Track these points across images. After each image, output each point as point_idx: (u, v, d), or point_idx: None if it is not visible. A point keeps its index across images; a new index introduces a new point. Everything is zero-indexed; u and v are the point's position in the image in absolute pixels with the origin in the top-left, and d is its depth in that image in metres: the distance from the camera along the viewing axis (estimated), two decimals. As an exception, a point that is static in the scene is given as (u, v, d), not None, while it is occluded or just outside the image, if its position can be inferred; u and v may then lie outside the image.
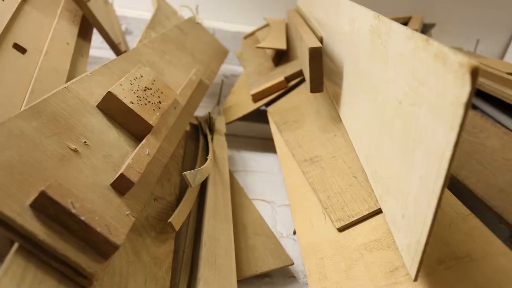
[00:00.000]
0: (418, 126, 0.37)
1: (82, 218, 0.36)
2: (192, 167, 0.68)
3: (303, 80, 0.88)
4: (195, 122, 0.83)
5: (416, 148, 0.38)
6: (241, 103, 0.93)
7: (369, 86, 0.53)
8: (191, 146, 0.76)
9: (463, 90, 0.29)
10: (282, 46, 0.94)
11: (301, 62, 0.84)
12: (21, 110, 0.62)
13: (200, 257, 0.49)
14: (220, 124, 0.81)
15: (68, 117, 0.47)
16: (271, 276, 0.57)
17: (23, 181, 0.37)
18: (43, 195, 0.36)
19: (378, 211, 0.50)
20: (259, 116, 0.93)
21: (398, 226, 0.42)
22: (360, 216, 0.50)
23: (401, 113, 0.41)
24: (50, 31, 0.84)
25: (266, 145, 0.94)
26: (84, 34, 0.96)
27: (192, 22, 1.10)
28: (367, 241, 0.47)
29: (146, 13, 1.40)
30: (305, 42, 0.69)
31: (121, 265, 0.42)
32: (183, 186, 0.63)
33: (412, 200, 0.38)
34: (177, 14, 1.16)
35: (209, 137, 0.73)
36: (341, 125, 0.68)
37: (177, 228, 0.49)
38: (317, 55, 0.66)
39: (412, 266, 0.37)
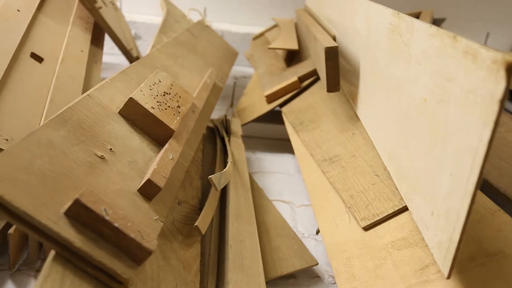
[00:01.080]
0: (447, 124, 0.37)
1: (116, 224, 0.37)
2: (212, 170, 0.68)
3: (316, 80, 0.88)
4: (211, 125, 0.83)
5: (445, 146, 0.38)
6: (255, 104, 0.94)
7: (389, 84, 0.53)
8: (208, 149, 0.76)
9: (498, 87, 0.29)
10: (294, 46, 0.94)
11: (315, 62, 0.84)
12: (42, 118, 0.64)
13: (226, 259, 0.49)
14: (236, 126, 0.81)
15: (93, 124, 0.48)
16: (295, 277, 0.57)
17: (55, 190, 0.37)
18: (77, 203, 0.36)
19: (404, 209, 0.50)
20: (273, 116, 0.93)
21: (427, 224, 0.41)
22: (385, 215, 0.50)
23: (426, 111, 0.41)
24: (65, 39, 0.84)
25: (281, 145, 0.94)
26: (96, 41, 0.97)
27: (202, 25, 1.11)
28: (394, 239, 0.47)
29: (154, 18, 1.41)
30: (320, 42, 0.69)
31: (152, 270, 0.43)
32: (204, 190, 0.63)
33: (442, 198, 0.38)
34: (186, 17, 1.17)
35: (226, 139, 0.73)
36: (359, 123, 0.68)
37: (203, 232, 0.49)
38: (333, 55, 0.66)
39: (444, 263, 0.37)
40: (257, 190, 0.69)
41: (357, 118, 0.69)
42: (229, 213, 0.56)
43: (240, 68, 1.36)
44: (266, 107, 0.89)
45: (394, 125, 0.51)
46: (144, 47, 1.37)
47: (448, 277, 0.37)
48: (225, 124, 0.79)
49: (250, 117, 0.89)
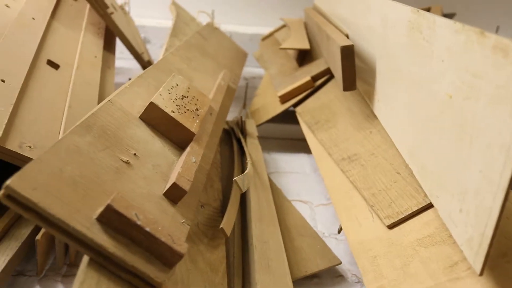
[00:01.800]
0: (475, 120, 0.37)
1: (147, 229, 0.37)
2: (230, 172, 0.69)
3: (329, 79, 0.88)
4: (226, 126, 0.83)
5: (473, 142, 0.38)
6: (268, 105, 0.94)
7: (409, 81, 0.53)
8: (225, 150, 0.76)
9: (532, 82, 0.29)
10: (306, 45, 0.94)
11: (328, 61, 0.84)
12: (62, 124, 0.64)
13: (252, 261, 0.49)
14: (251, 127, 0.81)
15: (116, 129, 0.48)
16: (319, 277, 0.58)
17: (86, 196, 0.38)
18: (109, 209, 0.36)
19: (428, 206, 0.50)
20: (286, 116, 0.93)
21: (455, 221, 0.41)
22: (410, 212, 0.50)
23: (452, 108, 0.41)
24: (78, 45, 0.85)
25: (295, 145, 0.94)
26: (108, 46, 0.98)
27: (211, 27, 1.11)
28: (420, 237, 0.47)
29: (163, 21, 1.42)
30: (335, 41, 0.69)
31: (181, 273, 0.43)
32: (225, 191, 0.63)
33: (471, 194, 0.38)
34: (195, 20, 1.17)
35: (243, 141, 0.73)
36: (376, 121, 0.68)
37: (228, 234, 0.49)
38: (349, 53, 0.66)
39: (476, 260, 0.37)
40: (275, 190, 0.70)
41: (373, 116, 0.69)
42: (251, 214, 0.56)
43: (249, 69, 1.36)
44: (280, 108, 0.89)
45: (415, 123, 0.51)
46: (153, 51, 1.38)
47: (481, 274, 0.37)
48: (241, 125, 0.79)
49: (265, 118, 0.89)
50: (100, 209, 0.37)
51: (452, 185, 0.42)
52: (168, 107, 0.55)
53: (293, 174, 0.83)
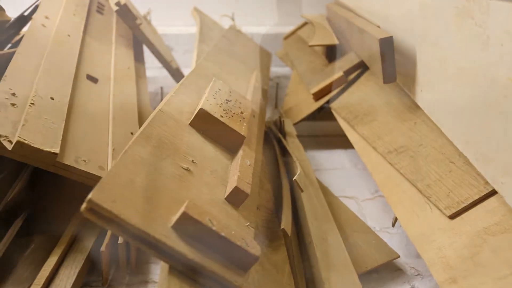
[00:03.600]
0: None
1: (222, 234, 0.37)
2: (276, 172, 0.69)
3: (362, 73, 0.88)
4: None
5: (545, 125, 0.37)
6: (301, 103, 0.94)
7: (460, 69, 0.52)
8: (265, 151, 0.76)
9: None
10: (334, 41, 0.94)
11: (361, 55, 0.84)
12: (110, 136, 0.65)
13: (315, 259, 0.49)
14: (289, 126, 0.81)
15: (172, 138, 0.49)
16: (378, 272, 0.57)
17: (158, 205, 0.38)
18: (184, 216, 0.37)
19: (490, 194, 0.49)
20: (317, 113, 0.93)
21: (527, 207, 0.41)
22: (471, 201, 0.49)
23: (516, 91, 0.41)
24: (112, 58, 0.86)
25: (330, 142, 0.94)
26: (137, 56, 0.99)
27: (234, 30, 1.11)
28: (486, 225, 0.46)
29: (183, 28, 1.43)
30: (372, 34, 0.69)
31: (252, 276, 0.43)
32: (274, 192, 0.63)
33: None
34: (218, 24, 1.18)
35: (284, 140, 0.73)
36: (420, 112, 0.67)
37: (289, 233, 0.49)
38: (389, 45, 0.65)
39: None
40: (323, 188, 0.69)
41: (415, 106, 0.68)
42: (306, 213, 0.56)
43: (273, 69, 1.36)
44: (314, 105, 0.89)
45: (470, 110, 0.50)
46: (177, 58, 1.39)
47: None
48: (280, 125, 0.79)
49: (300, 116, 0.89)
50: (174, 217, 0.37)
51: (521, 171, 0.41)
52: (216, 112, 0.55)
53: (333, 170, 0.83)
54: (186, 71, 1.07)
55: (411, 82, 0.68)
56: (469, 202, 0.50)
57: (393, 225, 0.61)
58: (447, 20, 0.53)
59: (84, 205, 0.34)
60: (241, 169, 0.49)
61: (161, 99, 1.08)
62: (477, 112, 0.49)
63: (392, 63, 0.67)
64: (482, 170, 0.49)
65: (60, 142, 0.54)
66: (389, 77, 0.67)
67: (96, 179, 0.56)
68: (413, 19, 0.64)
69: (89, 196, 0.34)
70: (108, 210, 0.34)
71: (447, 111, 0.57)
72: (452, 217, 0.50)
